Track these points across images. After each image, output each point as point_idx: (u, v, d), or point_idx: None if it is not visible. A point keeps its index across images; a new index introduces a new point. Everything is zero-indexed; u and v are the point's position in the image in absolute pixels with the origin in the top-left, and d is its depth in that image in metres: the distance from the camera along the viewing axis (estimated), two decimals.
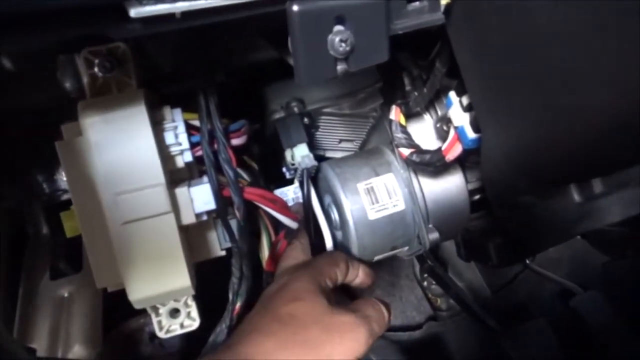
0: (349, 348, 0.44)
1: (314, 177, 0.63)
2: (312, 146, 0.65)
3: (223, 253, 0.55)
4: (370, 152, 0.64)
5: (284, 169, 0.64)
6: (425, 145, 0.58)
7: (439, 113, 0.61)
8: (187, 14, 0.34)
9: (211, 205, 0.50)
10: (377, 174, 0.60)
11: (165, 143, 0.49)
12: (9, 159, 0.65)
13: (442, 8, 0.41)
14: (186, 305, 0.52)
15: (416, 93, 0.58)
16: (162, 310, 0.52)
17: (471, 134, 0.49)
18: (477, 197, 0.64)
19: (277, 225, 0.56)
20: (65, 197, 0.68)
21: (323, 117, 0.66)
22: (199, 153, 0.51)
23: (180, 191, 0.49)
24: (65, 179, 0.48)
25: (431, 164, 0.55)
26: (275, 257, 0.56)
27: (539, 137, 0.42)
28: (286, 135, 0.62)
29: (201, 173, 0.53)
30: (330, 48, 0.37)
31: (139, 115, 0.46)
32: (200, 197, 0.49)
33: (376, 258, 0.62)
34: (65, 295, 0.69)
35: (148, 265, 0.47)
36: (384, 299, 0.52)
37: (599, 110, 0.35)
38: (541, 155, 0.45)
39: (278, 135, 0.62)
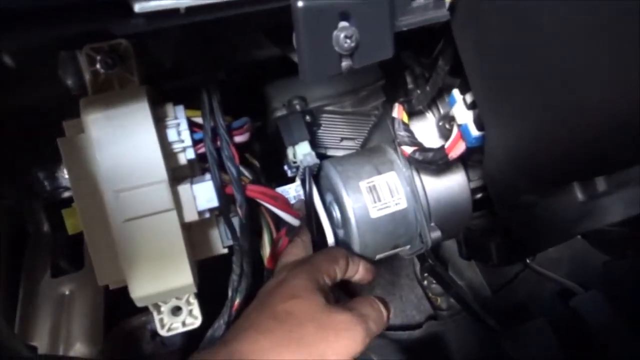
0: (344, 347, 0.44)
1: (315, 176, 0.63)
2: (314, 144, 0.65)
3: (225, 251, 0.55)
4: (372, 150, 0.64)
5: (285, 167, 0.64)
6: (427, 144, 0.58)
7: (442, 111, 0.61)
8: (192, 10, 0.34)
9: (214, 202, 0.50)
10: (379, 172, 0.60)
11: (168, 140, 0.49)
12: (9, 157, 0.65)
13: (447, 5, 0.40)
14: (188, 303, 0.52)
15: (419, 91, 0.58)
16: (164, 308, 0.52)
17: (475, 132, 0.49)
18: (479, 195, 0.64)
19: (278, 222, 0.56)
20: (66, 194, 0.68)
21: (325, 115, 0.66)
22: (202, 150, 0.51)
23: (183, 188, 0.48)
24: (66, 176, 0.48)
25: (434, 162, 0.55)
26: (276, 254, 0.56)
27: (539, 137, 0.42)
28: (288, 133, 0.62)
29: (203, 170, 0.53)
30: (335, 44, 0.37)
31: (142, 112, 0.46)
32: (202, 195, 0.49)
33: (378, 256, 0.62)
34: (67, 293, 0.68)
35: (150, 263, 0.47)
36: (384, 297, 0.52)
37: (598, 110, 0.35)
38: (542, 155, 0.45)
39: (280, 133, 0.62)
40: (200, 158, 0.52)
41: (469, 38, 0.43)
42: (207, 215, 0.51)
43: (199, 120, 0.51)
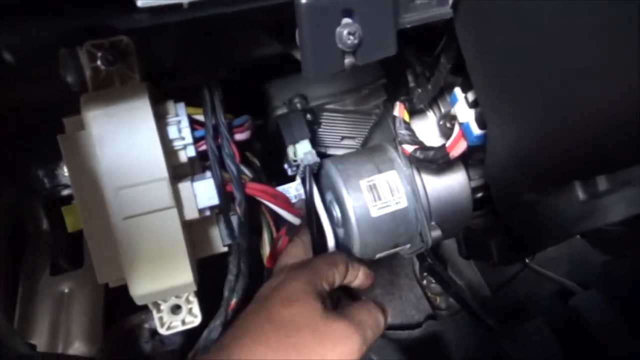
0: (341, 355, 0.44)
1: (316, 174, 0.63)
2: (315, 143, 0.64)
3: (226, 249, 0.54)
4: (373, 149, 0.64)
5: (285, 166, 0.64)
6: (428, 143, 0.57)
7: (443, 110, 0.61)
8: (195, 5, 0.34)
9: (214, 200, 0.49)
10: (380, 171, 0.60)
11: (169, 137, 0.48)
12: (8, 154, 0.65)
13: (450, 2, 0.40)
14: (188, 301, 0.52)
15: (420, 90, 0.58)
16: (164, 307, 0.51)
17: (476, 130, 0.49)
18: (479, 194, 0.64)
19: (278, 221, 0.56)
20: (66, 192, 0.68)
21: (326, 113, 0.66)
22: (202, 148, 0.51)
23: (184, 186, 0.48)
24: (66, 173, 0.48)
25: (434, 161, 0.55)
26: (276, 253, 0.56)
27: (540, 135, 0.42)
28: (288, 132, 0.61)
29: (204, 168, 0.53)
30: (338, 41, 0.37)
31: (142, 109, 0.46)
32: (203, 192, 0.49)
33: (378, 255, 0.62)
34: (66, 291, 0.68)
35: (150, 261, 0.47)
36: (383, 297, 0.52)
37: (599, 109, 0.36)
38: (543, 153, 0.45)
39: (280, 132, 0.62)
40: (201, 156, 0.52)
41: (471, 36, 0.43)
42: (208, 213, 0.51)
43: (200, 117, 0.51)
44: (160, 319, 0.52)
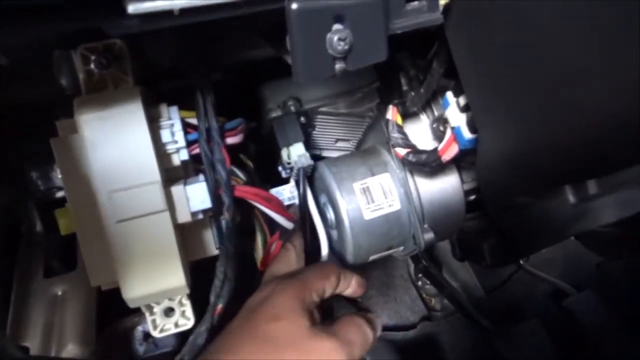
0: None
1: (310, 177, 0.63)
2: (309, 145, 0.65)
3: (218, 252, 0.55)
4: (366, 151, 0.64)
5: (279, 168, 0.64)
6: (421, 146, 0.58)
7: (436, 113, 0.61)
8: (186, 11, 0.34)
9: (207, 204, 0.49)
10: (373, 174, 0.60)
11: (162, 141, 0.48)
12: (2, 156, 0.65)
13: (441, 8, 0.41)
14: (181, 304, 0.52)
15: (413, 93, 0.59)
16: (157, 309, 0.51)
17: (468, 135, 0.49)
18: (472, 197, 0.64)
19: (272, 224, 0.56)
20: (60, 194, 0.68)
21: (320, 116, 0.66)
22: (195, 151, 0.51)
23: (176, 189, 0.48)
24: (60, 176, 0.48)
25: (427, 164, 0.55)
26: (269, 257, 0.56)
27: (535, 138, 0.43)
28: (282, 134, 0.62)
29: (197, 171, 0.53)
30: (328, 47, 0.37)
31: (135, 113, 0.46)
32: (196, 196, 0.49)
33: (371, 258, 0.62)
34: (59, 293, 0.68)
35: (143, 264, 0.47)
36: (378, 298, 0.52)
37: (596, 110, 0.35)
38: (537, 156, 0.45)
39: (274, 134, 0.62)
40: (194, 159, 0.52)
41: (463, 40, 0.43)
42: (201, 216, 0.51)
43: (193, 121, 0.51)
44: (153, 321, 0.52)
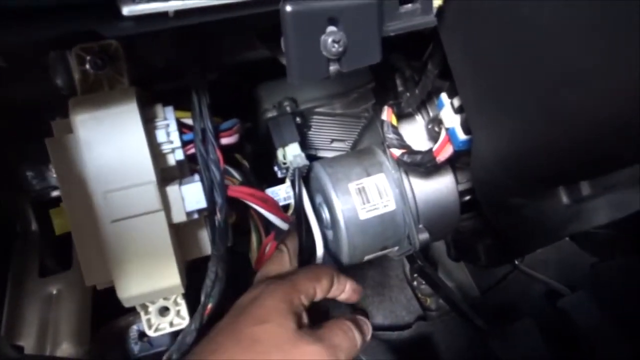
0: None
1: (305, 177, 0.63)
2: (304, 145, 0.65)
3: None
4: (362, 152, 0.64)
5: (275, 168, 0.64)
6: (416, 146, 0.58)
7: (431, 114, 0.61)
8: (180, 13, 0.34)
9: (202, 203, 0.50)
10: (369, 174, 0.60)
11: (157, 141, 0.49)
12: None
13: (435, 10, 0.41)
14: (176, 303, 0.52)
15: (408, 94, 0.59)
16: (152, 309, 0.52)
17: (462, 136, 0.50)
18: (467, 198, 0.65)
19: (267, 224, 0.56)
20: (55, 193, 0.68)
21: (315, 116, 0.66)
22: (191, 151, 0.51)
23: (171, 189, 0.48)
24: (55, 175, 0.48)
25: (422, 165, 0.55)
26: (263, 258, 0.56)
27: (530, 139, 0.43)
28: (278, 135, 0.62)
29: (192, 171, 0.53)
30: (322, 49, 0.37)
31: (131, 113, 0.46)
32: (191, 196, 0.49)
33: (366, 258, 0.62)
34: (54, 292, 0.68)
35: (138, 263, 0.47)
36: (373, 298, 0.52)
37: (593, 112, 0.36)
38: (532, 157, 0.45)
39: (270, 134, 0.62)
40: (189, 159, 0.52)
41: (457, 42, 0.43)
42: (196, 216, 0.51)
43: (188, 121, 0.51)
44: (148, 320, 0.52)
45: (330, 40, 0.37)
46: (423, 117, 0.63)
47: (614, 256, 0.98)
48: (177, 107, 0.51)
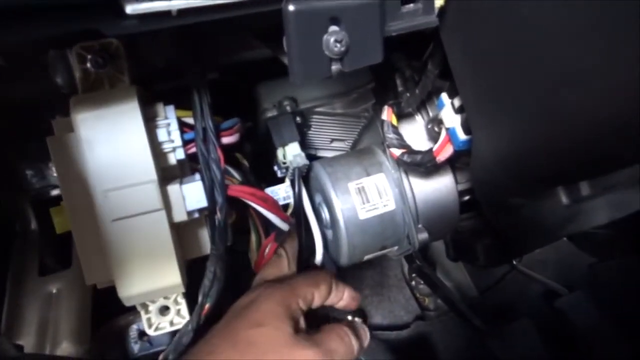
0: None
1: (305, 176, 0.63)
2: (304, 145, 0.65)
3: None
4: (361, 152, 0.65)
5: (275, 168, 0.64)
6: (416, 146, 0.58)
7: (431, 114, 0.62)
8: (183, 12, 0.34)
9: (203, 203, 0.50)
10: (368, 174, 0.60)
11: (158, 140, 0.49)
12: None
13: (436, 10, 0.41)
14: (176, 302, 0.52)
15: (408, 94, 0.59)
16: (152, 308, 0.52)
17: (462, 136, 0.50)
18: (466, 198, 0.65)
19: (267, 224, 0.56)
20: (55, 192, 0.68)
21: (315, 116, 0.66)
22: (192, 150, 0.51)
23: (172, 188, 0.48)
24: (55, 174, 0.48)
25: (422, 165, 0.55)
26: (263, 260, 0.56)
27: (530, 139, 0.43)
28: (278, 134, 0.62)
29: (193, 170, 0.53)
30: (325, 48, 0.37)
31: (132, 112, 0.46)
32: (192, 195, 0.49)
33: (366, 257, 0.62)
34: (54, 291, 0.68)
35: (139, 262, 0.47)
36: (372, 298, 0.52)
37: (593, 112, 0.36)
38: (532, 157, 0.45)
39: (270, 134, 0.62)
40: (190, 158, 0.52)
41: (457, 42, 0.44)
42: (197, 215, 0.51)
43: (189, 120, 0.51)
44: (149, 320, 0.52)
45: (332, 39, 0.37)
46: (423, 117, 0.63)
47: (612, 256, 0.98)
48: (178, 106, 0.51)
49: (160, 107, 0.50)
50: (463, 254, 0.79)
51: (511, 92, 0.40)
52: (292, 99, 0.64)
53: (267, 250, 0.56)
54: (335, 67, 0.39)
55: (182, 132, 0.50)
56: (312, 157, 0.65)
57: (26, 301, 0.66)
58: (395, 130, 0.58)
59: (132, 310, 0.52)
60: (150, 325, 0.52)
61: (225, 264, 0.51)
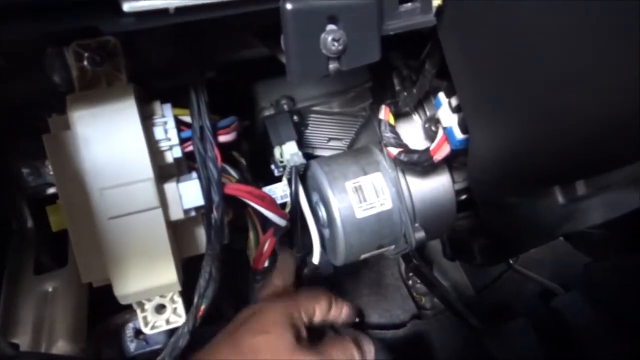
0: None
1: (302, 175, 0.63)
2: (301, 144, 0.65)
3: None
4: (359, 151, 0.65)
5: (272, 167, 0.64)
6: (413, 145, 0.58)
7: (428, 113, 0.62)
8: (181, 10, 0.34)
9: (200, 201, 0.50)
10: (366, 173, 0.60)
11: (155, 138, 0.49)
12: None
13: (434, 10, 0.41)
14: (172, 301, 0.52)
15: (405, 93, 0.59)
16: (148, 306, 0.51)
17: (459, 135, 0.50)
18: (463, 197, 0.65)
19: (265, 222, 0.56)
20: (51, 190, 0.68)
21: (313, 115, 0.66)
22: (189, 149, 0.51)
23: (169, 187, 0.48)
24: (51, 172, 0.48)
25: (419, 164, 0.55)
26: (262, 255, 0.56)
27: (527, 138, 0.43)
28: (275, 133, 0.62)
29: (190, 169, 0.53)
30: (322, 47, 0.37)
31: (129, 110, 0.46)
32: (189, 193, 0.49)
33: (362, 256, 0.62)
34: (50, 290, 0.68)
35: (135, 261, 0.47)
36: (369, 297, 0.53)
37: (589, 111, 0.36)
38: (528, 156, 0.45)
39: (267, 133, 0.62)
40: (187, 156, 0.52)
41: (455, 42, 0.44)
42: (193, 213, 0.51)
43: (186, 118, 0.51)
44: (145, 318, 0.52)
45: (330, 38, 0.37)
46: (420, 117, 0.63)
47: (608, 256, 0.99)
48: (176, 105, 0.51)
49: (157, 106, 0.49)
50: (460, 253, 0.79)
51: (508, 92, 0.41)
52: (290, 97, 0.64)
53: (265, 246, 0.56)
54: (332, 65, 0.39)
55: (179, 131, 0.50)
56: (309, 156, 0.65)
57: (22, 300, 0.65)
58: (393, 129, 0.58)
59: (128, 308, 0.52)
60: (146, 324, 0.52)
61: (221, 263, 0.51)
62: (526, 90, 0.39)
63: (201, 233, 0.54)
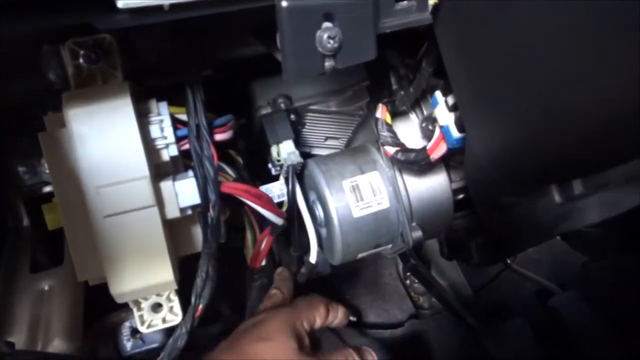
0: None
1: (299, 174, 0.63)
2: (298, 143, 0.65)
3: None
4: (356, 149, 0.64)
5: (269, 165, 0.64)
6: (410, 144, 0.58)
7: (425, 112, 0.61)
8: (176, 6, 0.34)
9: (196, 200, 0.49)
10: (363, 172, 0.60)
11: (151, 136, 0.48)
12: None
13: (430, 8, 0.41)
14: (169, 299, 0.52)
15: (402, 92, 0.59)
16: (144, 305, 0.51)
17: (456, 134, 0.50)
18: (460, 196, 0.65)
19: (262, 221, 0.56)
20: (47, 189, 0.67)
21: (310, 114, 0.66)
22: (185, 147, 0.51)
23: (165, 185, 0.48)
24: (47, 170, 0.48)
25: (416, 163, 0.55)
26: (259, 253, 0.56)
27: (523, 137, 0.43)
28: (272, 132, 0.62)
29: (186, 167, 0.53)
30: (318, 45, 0.37)
31: (124, 108, 0.46)
32: (185, 192, 0.49)
33: (360, 255, 0.62)
34: (46, 288, 0.67)
35: (131, 259, 0.47)
36: (367, 296, 0.53)
37: (586, 111, 0.36)
38: (525, 155, 0.45)
39: (264, 131, 0.62)
40: (183, 155, 0.52)
41: (451, 41, 0.44)
42: (189, 212, 0.51)
43: (183, 117, 0.51)
44: (141, 317, 0.52)
45: (325, 36, 0.37)
46: (417, 115, 0.63)
47: (605, 255, 0.99)
48: (171, 103, 0.51)
49: (153, 104, 0.49)
50: (457, 253, 0.79)
51: (507, 91, 0.40)
52: (287, 96, 0.64)
53: (262, 245, 0.56)
54: (328, 63, 0.39)
55: (175, 129, 0.50)
56: (306, 155, 0.65)
57: (18, 298, 0.65)
58: (390, 128, 0.58)
59: (125, 307, 0.52)
60: (142, 323, 0.52)
61: (218, 262, 0.51)
62: (525, 90, 0.39)
63: (198, 232, 0.54)
